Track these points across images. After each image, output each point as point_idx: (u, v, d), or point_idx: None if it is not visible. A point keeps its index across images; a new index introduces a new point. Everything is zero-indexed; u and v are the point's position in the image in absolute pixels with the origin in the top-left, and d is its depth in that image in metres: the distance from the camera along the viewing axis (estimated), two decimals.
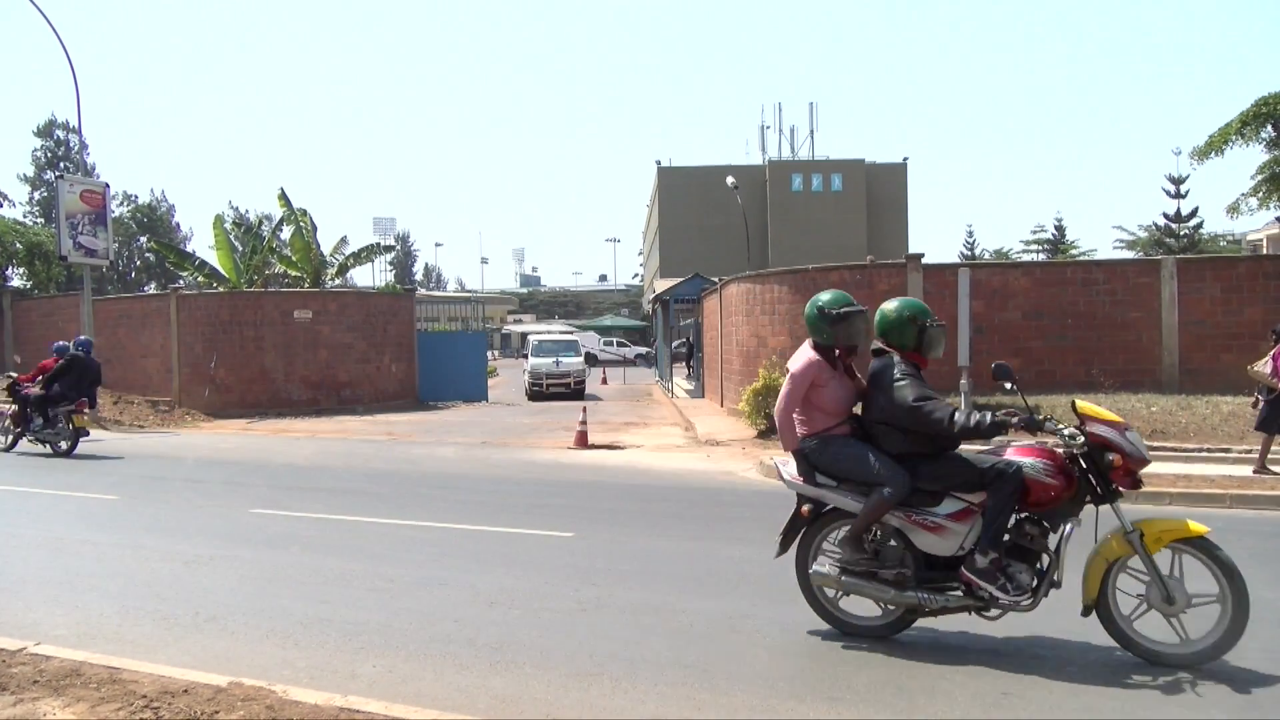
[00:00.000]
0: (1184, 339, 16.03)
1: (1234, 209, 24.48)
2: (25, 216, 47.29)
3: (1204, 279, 16.13)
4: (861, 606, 5.79)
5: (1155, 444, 12.96)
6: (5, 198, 33.83)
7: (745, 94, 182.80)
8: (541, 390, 29.77)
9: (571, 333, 46.86)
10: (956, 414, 5.27)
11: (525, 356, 33.15)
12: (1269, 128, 20.69)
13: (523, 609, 6.45)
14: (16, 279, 35.11)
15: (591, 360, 57.89)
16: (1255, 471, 11.48)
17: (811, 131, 70.28)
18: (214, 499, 11.69)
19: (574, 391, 29.67)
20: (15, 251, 31.66)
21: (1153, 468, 11.73)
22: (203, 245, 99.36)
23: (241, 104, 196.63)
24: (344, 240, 34.07)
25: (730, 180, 40.53)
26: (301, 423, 22.25)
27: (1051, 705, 4.72)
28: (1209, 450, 12.61)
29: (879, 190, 64.63)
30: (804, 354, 5.82)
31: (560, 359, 30.46)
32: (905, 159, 67.32)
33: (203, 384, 24.60)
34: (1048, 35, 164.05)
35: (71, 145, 52.89)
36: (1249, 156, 52.81)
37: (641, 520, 10.01)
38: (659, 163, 67.70)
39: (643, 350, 61.11)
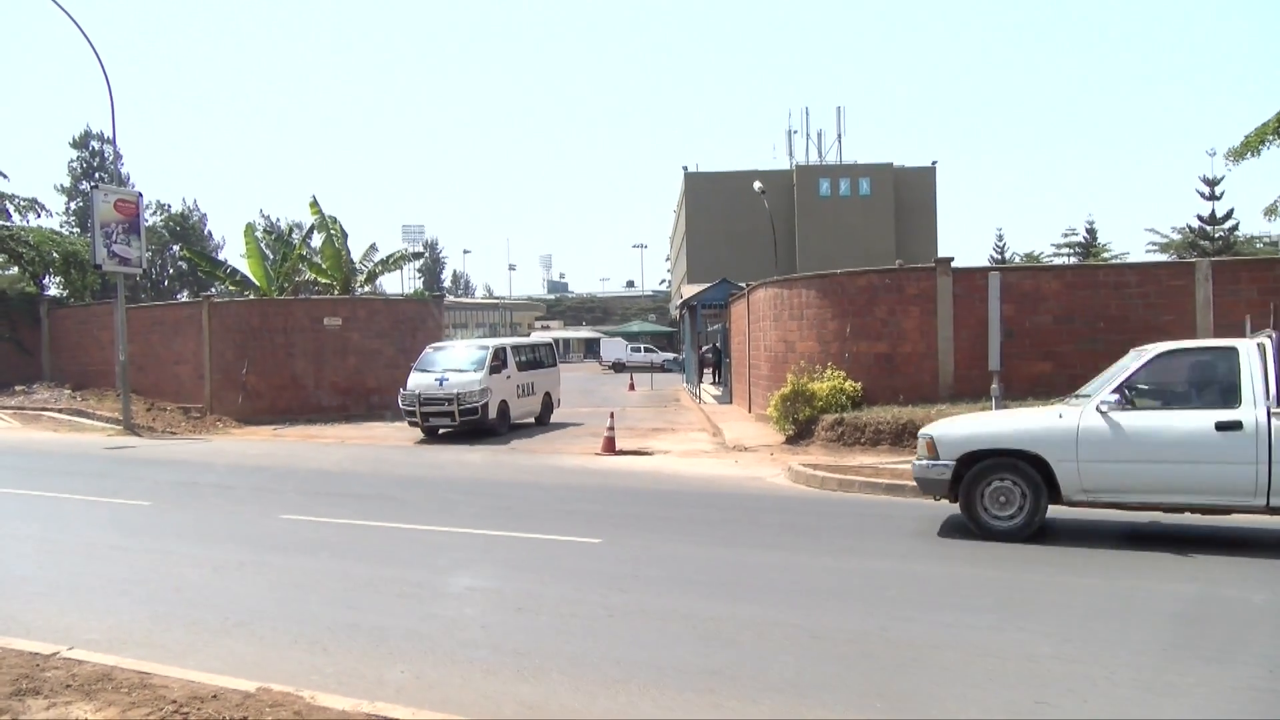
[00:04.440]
0: None
1: (1272, 210, 24.03)
2: (62, 226, 47.94)
3: (1240, 281, 15.86)
4: None
5: None
6: (43, 208, 34.30)
7: (772, 99, 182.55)
8: (418, 421, 20.01)
9: (550, 337, 34.86)
10: None
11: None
12: None
13: (550, 615, 6.44)
14: (53, 288, 35.63)
15: (619, 367, 58.01)
16: None
17: (839, 136, 70.07)
18: (244, 505, 11.79)
19: (464, 424, 19.71)
20: (52, 260, 32.12)
21: None
22: (234, 253, 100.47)
23: (273, 114, 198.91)
24: (373, 247, 34.31)
25: (758, 185, 40.43)
26: (331, 429, 22.40)
27: (1085, 715, 4.65)
28: None
29: (907, 194, 64.25)
30: None
31: (449, 374, 20.08)
32: (934, 162, 66.93)
33: (234, 390, 24.84)
34: (1078, 35, 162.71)
35: (106, 156, 53.58)
36: None
37: (669, 526, 9.98)
38: (686, 168, 67.70)
39: (670, 356, 61.09)
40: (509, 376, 21.23)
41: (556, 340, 39.93)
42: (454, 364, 20.55)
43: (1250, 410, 8.24)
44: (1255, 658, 5.45)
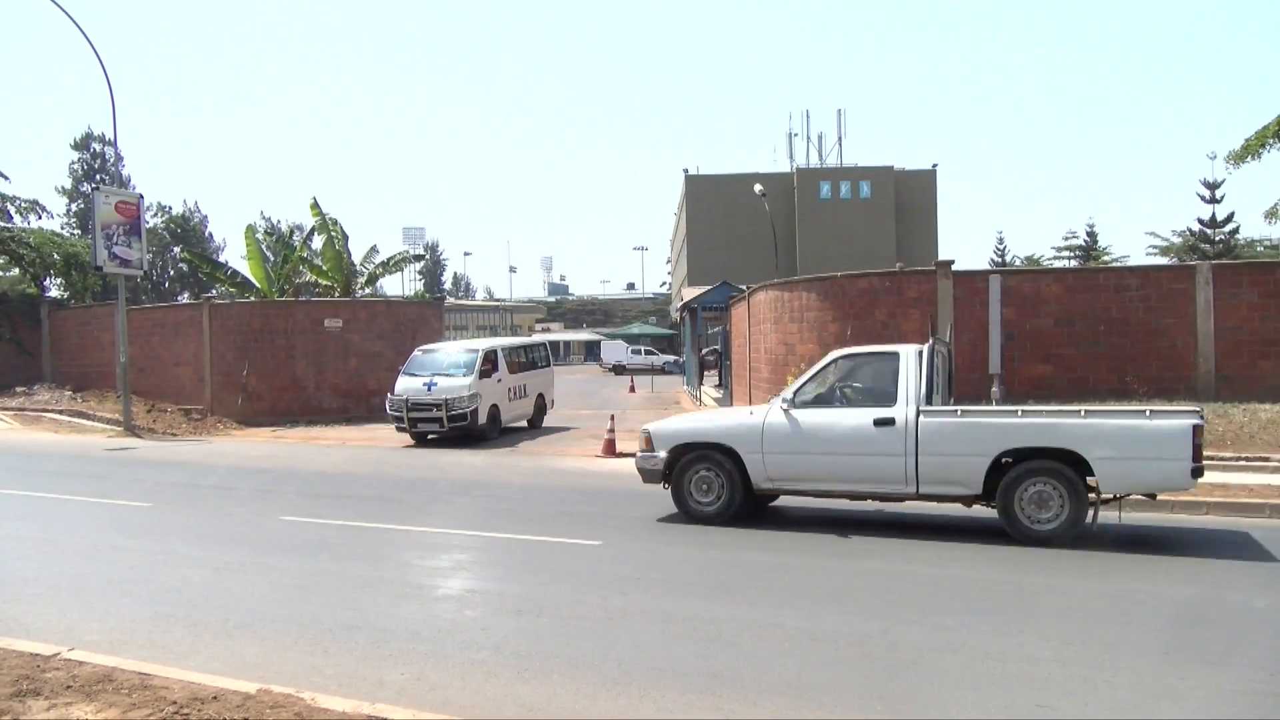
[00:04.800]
0: (1220, 346, 15.77)
1: (1272, 214, 24.05)
2: (63, 228, 47.96)
3: (1240, 285, 15.87)
4: None
5: None
6: (44, 209, 34.33)
7: (773, 101, 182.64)
8: (406, 427, 19.50)
9: (543, 338, 32.32)
10: None
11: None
12: None
13: (551, 617, 6.44)
14: (54, 289, 35.67)
15: (620, 369, 58.01)
16: None
17: (840, 138, 70.15)
18: (245, 506, 11.79)
19: (454, 430, 19.12)
20: (53, 262, 32.16)
21: None
22: (235, 255, 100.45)
23: (274, 116, 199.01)
24: (374, 249, 34.34)
25: (758, 188, 40.45)
26: (332, 431, 22.41)
27: (1086, 717, 4.65)
28: (1247, 459, 12.38)
29: (908, 197, 64.28)
30: None
31: (437, 378, 19.47)
32: (934, 165, 66.96)
33: (234, 392, 24.85)
34: (1078, 39, 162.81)
35: (107, 158, 53.65)
36: None
37: (669, 528, 9.98)
38: (687, 171, 67.75)
39: (671, 358, 61.10)
40: (500, 380, 20.55)
41: (557, 343, 39.60)
42: (442, 368, 19.89)
43: (903, 409, 9.31)
44: (1256, 661, 5.46)
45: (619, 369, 58.62)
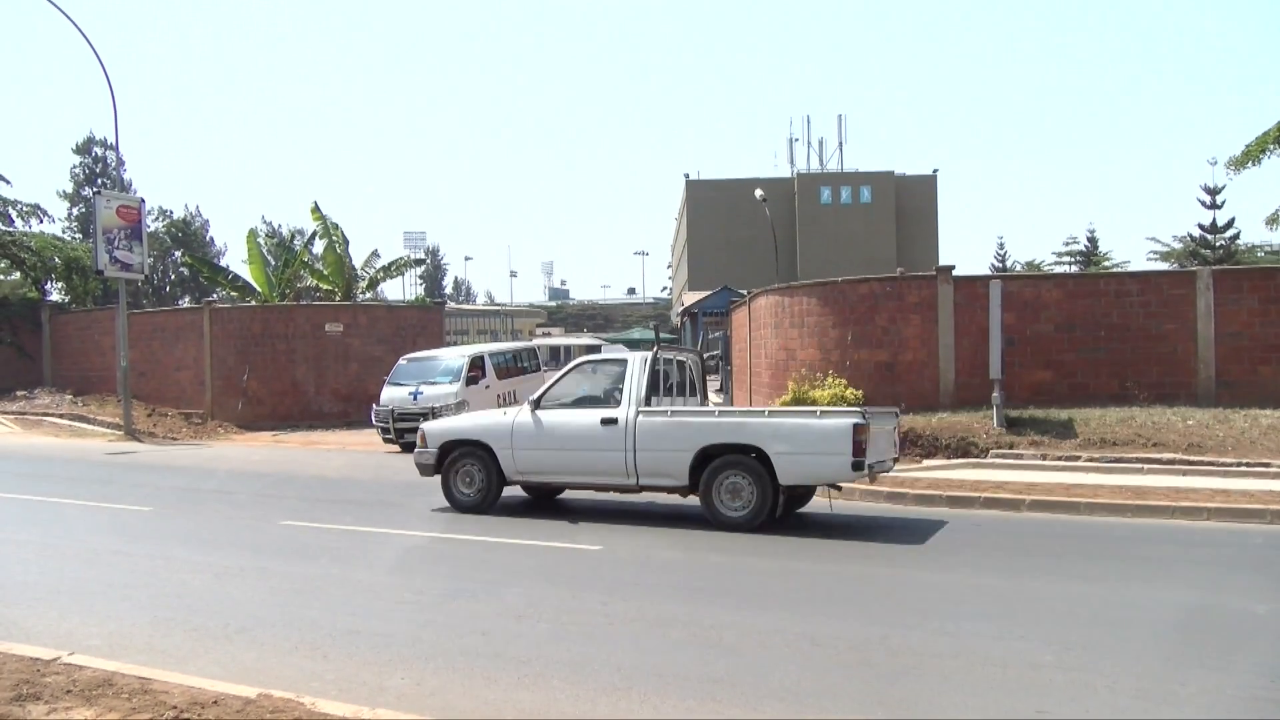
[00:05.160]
0: (1220, 351, 15.77)
1: (1273, 220, 24.06)
2: (64, 232, 47.98)
3: (1241, 290, 15.87)
4: None
5: (1192, 458, 12.76)
6: (45, 213, 34.35)
7: (773, 107, 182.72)
8: (392, 438, 18.94)
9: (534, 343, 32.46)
10: None
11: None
12: None
13: (550, 622, 6.44)
14: (55, 293, 35.68)
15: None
16: None
17: (840, 144, 70.05)
18: (245, 511, 11.79)
19: None
20: (54, 266, 32.19)
21: (1189, 482, 11.65)
22: (236, 259, 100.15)
23: (275, 120, 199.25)
24: (375, 254, 34.34)
25: (759, 193, 40.48)
26: (332, 435, 22.41)
27: None
28: (1248, 465, 12.38)
29: (908, 202, 64.30)
30: None
31: (423, 386, 19.11)
32: (935, 171, 67.00)
33: (235, 396, 24.85)
34: (1079, 44, 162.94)
35: (109, 162, 53.77)
36: None
37: (669, 533, 9.97)
38: (687, 176, 67.77)
39: None
40: (488, 386, 20.10)
41: (558, 347, 39.36)
42: (428, 376, 19.50)
43: (625, 410, 10.46)
44: (1257, 667, 5.45)
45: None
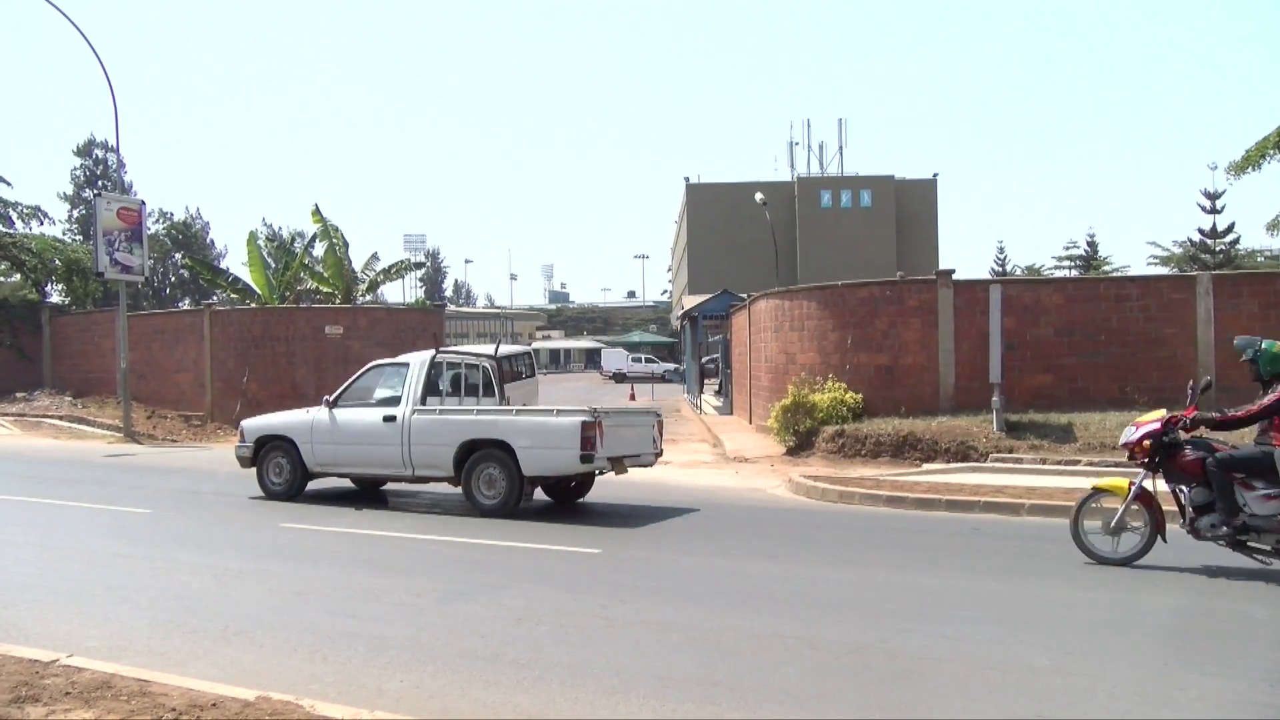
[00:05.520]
0: (1220, 356, 15.75)
1: (1274, 225, 24.13)
2: (64, 234, 47.96)
3: (1241, 295, 15.88)
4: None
5: None
6: (46, 215, 34.35)
7: (774, 110, 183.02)
8: None
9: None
10: None
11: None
12: None
13: (550, 625, 6.43)
14: (55, 295, 35.68)
15: (620, 377, 57.93)
16: None
17: (840, 148, 70.07)
18: (244, 513, 11.79)
19: None
20: (54, 268, 32.19)
21: None
22: (236, 262, 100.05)
23: (276, 123, 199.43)
24: (375, 256, 34.33)
25: (759, 196, 40.49)
26: None
27: None
28: None
29: (909, 206, 64.30)
30: None
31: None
32: (935, 175, 66.99)
33: (235, 399, 24.84)
34: (1079, 49, 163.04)
35: (110, 164, 53.77)
36: None
37: (669, 537, 9.97)
38: (688, 179, 67.77)
39: (671, 366, 61.07)
40: None
41: (557, 350, 39.24)
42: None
43: (403, 408, 11.68)
44: (1256, 672, 5.45)
45: (619, 377, 58.58)
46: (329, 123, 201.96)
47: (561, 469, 10.96)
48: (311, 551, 9.21)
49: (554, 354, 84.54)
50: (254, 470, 12.68)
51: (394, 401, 11.86)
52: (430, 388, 12.28)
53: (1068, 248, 63.26)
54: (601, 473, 11.35)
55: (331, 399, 12.35)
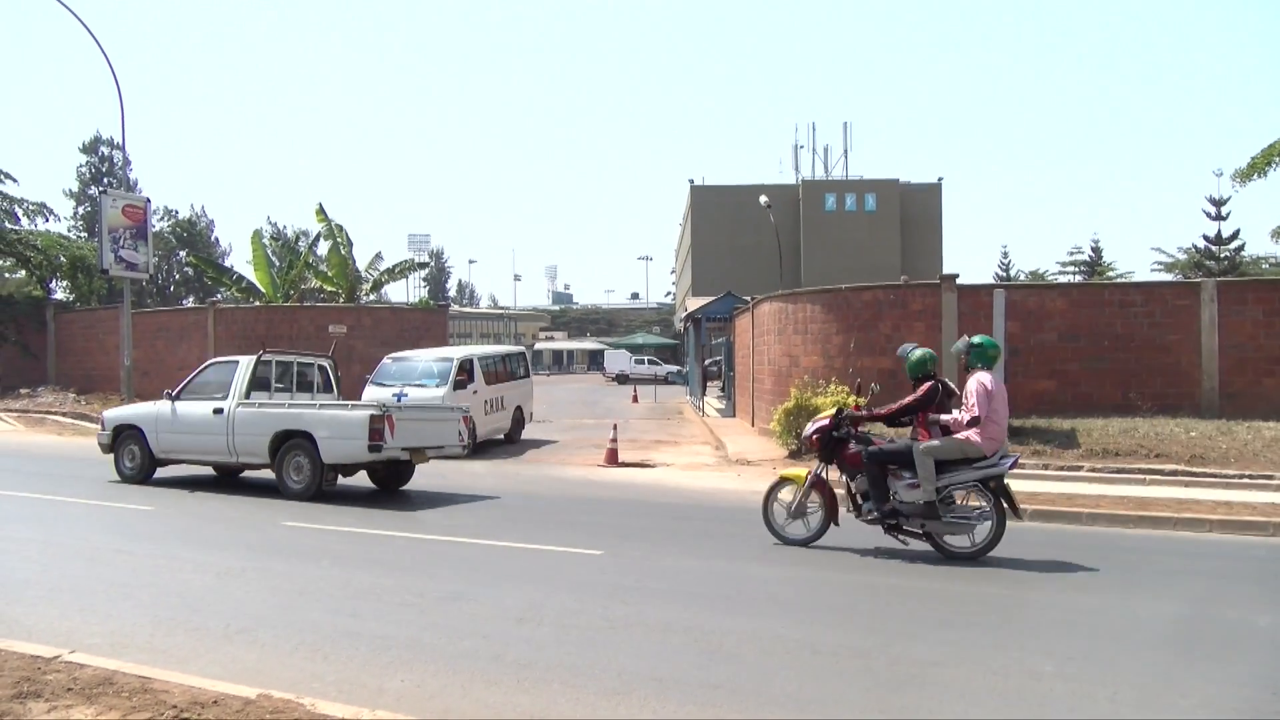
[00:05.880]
0: (1224, 363, 15.75)
1: (1279, 232, 24.16)
2: (69, 230, 48.18)
3: (1245, 302, 15.86)
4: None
5: (1195, 470, 12.74)
6: (51, 212, 34.45)
7: (779, 113, 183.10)
8: None
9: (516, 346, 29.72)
10: None
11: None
12: None
13: (551, 626, 6.43)
14: (60, 292, 35.78)
15: (623, 379, 57.90)
16: None
17: (845, 151, 70.17)
18: (247, 511, 11.79)
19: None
20: (59, 265, 32.28)
21: (1191, 494, 11.64)
22: (241, 260, 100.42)
23: (281, 122, 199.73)
24: (379, 256, 34.44)
25: (763, 199, 40.47)
26: None
27: None
28: (1251, 477, 12.36)
29: (913, 210, 64.28)
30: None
31: (409, 388, 18.40)
32: (940, 179, 67.03)
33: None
34: (1085, 55, 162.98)
35: (115, 161, 53.92)
36: None
37: (671, 539, 9.97)
38: (692, 181, 67.81)
39: (674, 368, 61.05)
40: (476, 391, 19.11)
41: (560, 351, 39.26)
42: (414, 377, 18.76)
43: (230, 402, 13.08)
44: (1258, 679, 5.44)
45: (622, 378, 58.54)
46: (334, 122, 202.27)
47: (355, 457, 12.20)
48: (313, 550, 9.21)
49: (557, 355, 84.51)
50: (157, 461, 13.77)
51: (224, 395, 13.22)
52: (258, 384, 13.60)
53: (1072, 253, 63.28)
54: (404, 461, 12.83)
55: (174, 393, 13.73)
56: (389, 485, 13.44)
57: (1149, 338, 16.07)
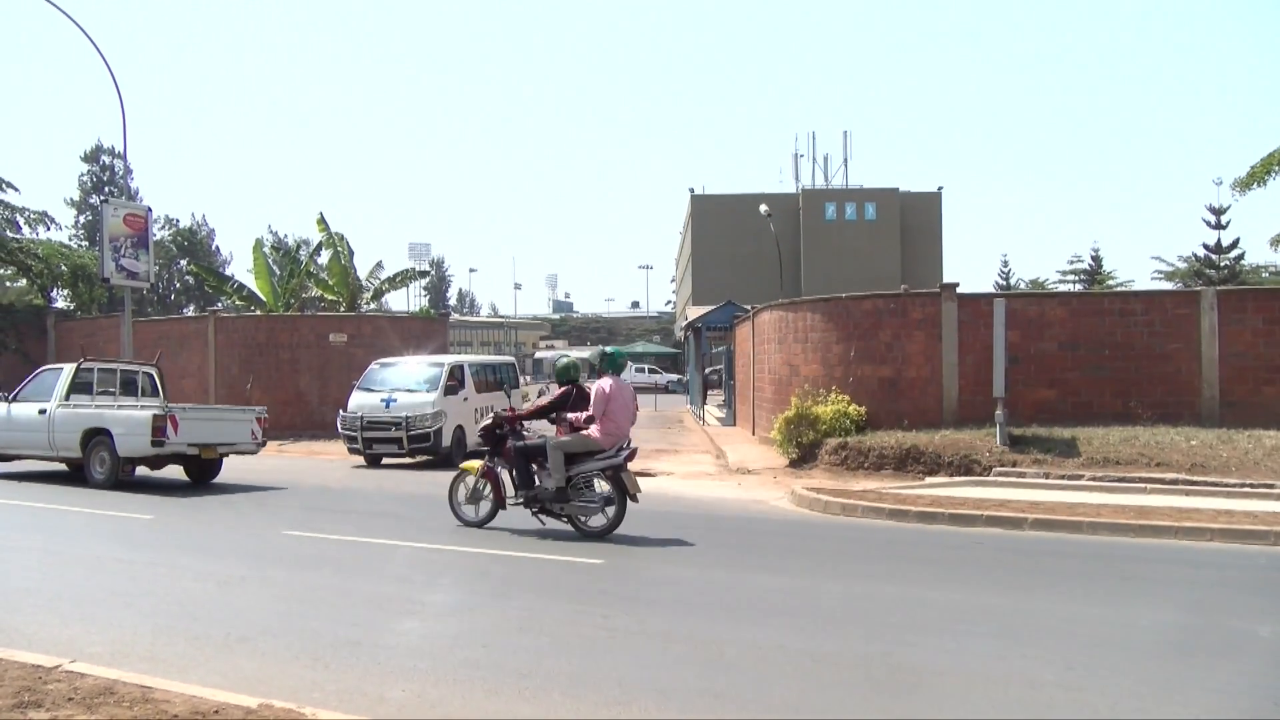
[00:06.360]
0: (1224, 371, 15.76)
1: (1279, 241, 24.19)
2: (71, 239, 48.21)
3: (1245, 310, 15.87)
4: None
5: (1195, 479, 12.74)
6: (53, 221, 34.52)
7: (779, 123, 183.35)
8: (359, 448, 17.87)
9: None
10: None
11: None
12: None
13: (552, 635, 6.43)
14: (61, 300, 35.80)
15: None
16: None
17: (845, 160, 70.09)
18: (247, 520, 11.79)
19: (414, 452, 17.70)
20: (60, 273, 32.33)
21: (1192, 503, 11.64)
22: (241, 269, 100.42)
23: (282, 131, 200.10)
24: (379, 265, 34.53)
25: (764, 208, 40.53)
26: (335, 445, 22.33)
27: None
28: (1251, 486, 12.35)
29: (913, 219, 64.27)
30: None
31: (398, 394, 17.86)
32: (940, 188, 66.97)
33: (238, 405, 24.85)
34: (1085, 64, 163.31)
35: (117, 170, 54.02)
36: None
37: (671, 548, 9.96)
38: (692, 190, 67.80)
39: (674, 377, 61.04)
40: (466, 399, 18.77)
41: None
42: (404, 383, 18.19)
43: (52, 403, 14.80)
44: (1260, 689, 5.44)
45: None
46: (335, 131, 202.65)
47: (142, 451, 13.87)
48: (313, 558, 9.20)
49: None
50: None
51: (49, 398, 14.86)
52: (80, 388, 15.19)
53: (1072, 262, 63.32)
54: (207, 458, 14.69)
55: (11, 395, 15.46)
56: (200, 479, 15.15)
57: (1149, 346, 16.07)
